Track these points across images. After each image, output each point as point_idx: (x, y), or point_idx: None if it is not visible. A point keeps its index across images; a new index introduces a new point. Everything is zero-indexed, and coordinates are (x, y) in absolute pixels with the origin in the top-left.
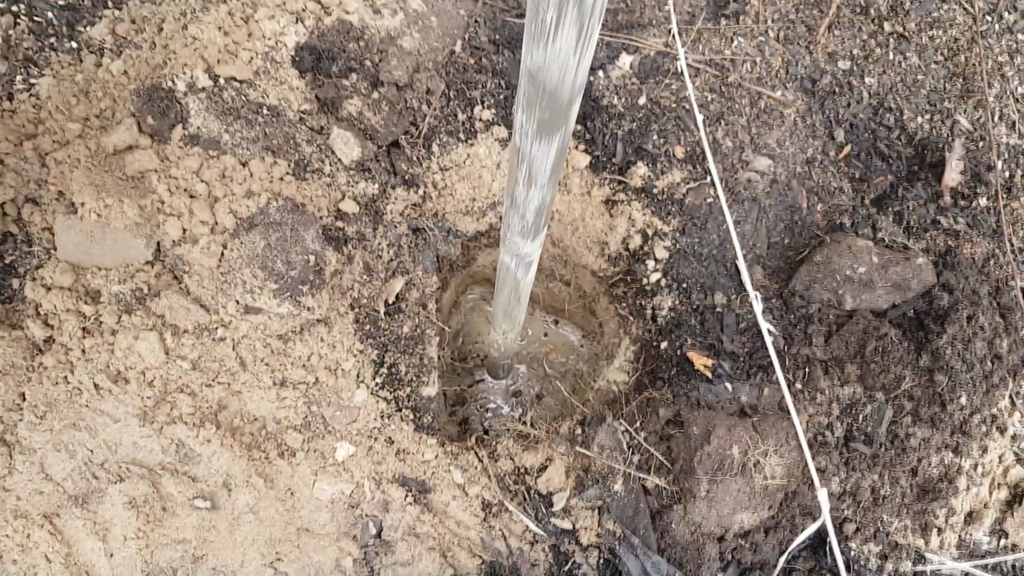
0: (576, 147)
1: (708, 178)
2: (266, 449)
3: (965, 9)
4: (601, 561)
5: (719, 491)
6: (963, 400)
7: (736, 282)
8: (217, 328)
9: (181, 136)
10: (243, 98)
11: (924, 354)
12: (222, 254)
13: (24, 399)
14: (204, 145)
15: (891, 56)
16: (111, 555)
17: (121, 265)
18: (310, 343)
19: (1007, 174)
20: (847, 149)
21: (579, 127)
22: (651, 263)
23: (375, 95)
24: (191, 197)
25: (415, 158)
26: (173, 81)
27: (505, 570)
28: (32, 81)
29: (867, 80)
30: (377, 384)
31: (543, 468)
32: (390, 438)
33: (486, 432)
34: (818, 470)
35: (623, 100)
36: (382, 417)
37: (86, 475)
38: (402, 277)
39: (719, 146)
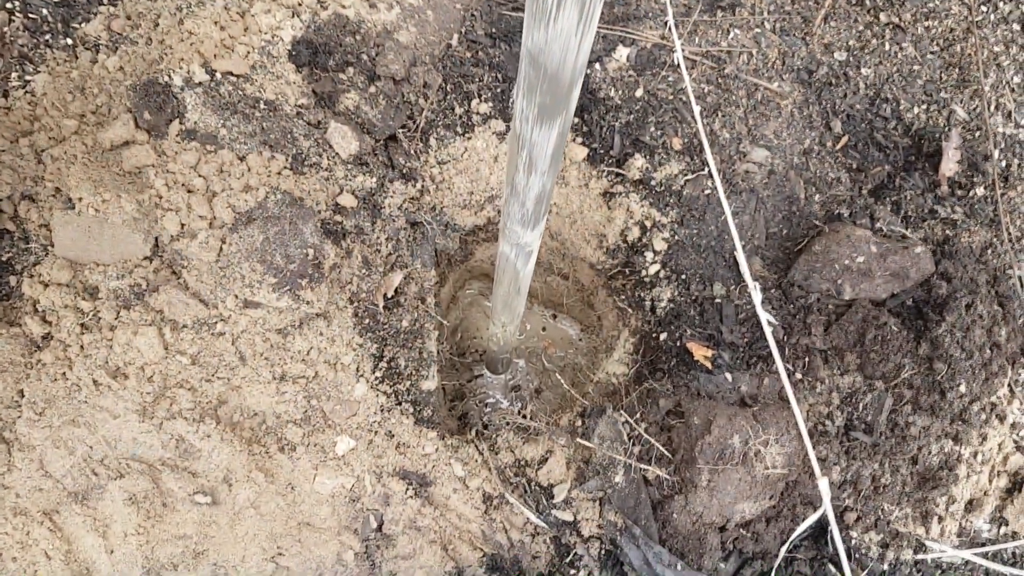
0: (574, 140)
1: (706, 169)
2: (266, 444)
3: None
4: (603, 552)
5: (720, 481)
6: (962, 388)
7: (735, 273)
8: (216, 323)
9: (178, 131)
10: (240, 92)
11: (923, 343)
12: (221, 248)
13: (23, 396)
14: (201, 140)
15: (887, 47)
16: (111, 551)
17: (119, 261)
18: (309, 337)
19: (1004, 163)
20: (844, 140)
21: (576, 119)
22: (650, 255)
23: (372, 89)
24: (189, 192)
25: (413, 152)
26: (169, 76)
27: (506, 562)
28: (28, 78)
29: (863, 71)
30: (377, 378)
31: (544, 460)
32: (390, 432)
33: (485, 427)
34: (819, 459)
35: (620, 92)
36: (382, 411)
37: (85, 471)
38: (401, 271)
39: (716, 138)
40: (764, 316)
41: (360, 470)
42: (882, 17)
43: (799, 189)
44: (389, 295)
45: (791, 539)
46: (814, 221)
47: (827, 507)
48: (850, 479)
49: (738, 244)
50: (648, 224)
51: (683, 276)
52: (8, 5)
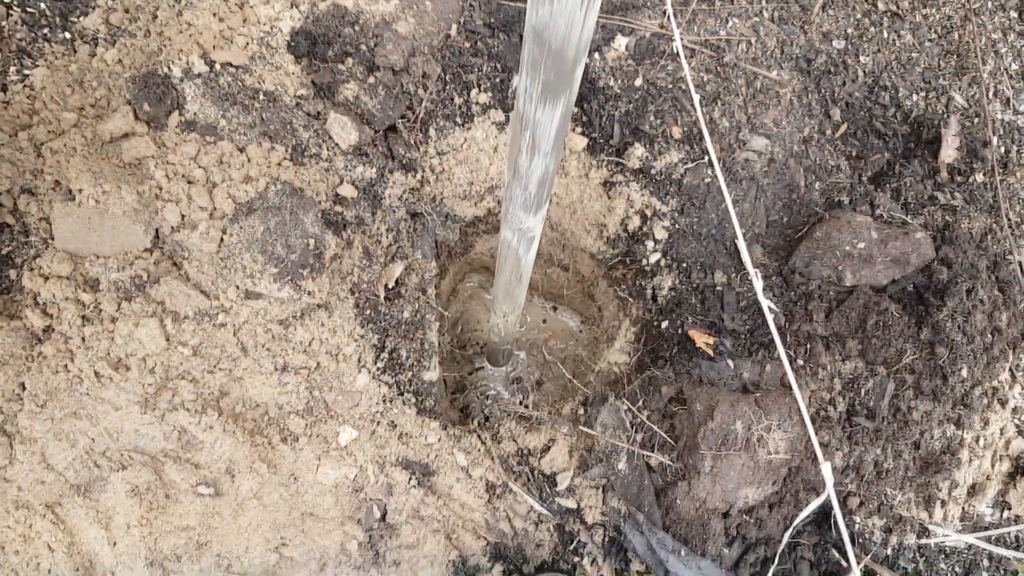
0: (573, 129)
1: (706, 158)
2: (269, 435)
3: None
4: (606, 539)
5: (723, 467)
6: (964, 373)
7: (736, 261)
8: (218, 314)
9: (178, 122)
10: (239, 84)
11: (925, 328)
12: (221, 239)
13: (24, 389)
14: (201, 131)
15: (885, 35)
16: (114, 543)
17: (120, 252)
18: (311, 328)
19: (1003, 150)
20: (843, 128)
21: (576, 109)
22: (650, 244)
23: (371, 80)
24: (189, 183)
25: (412, 142)
26: (169, 67)
27: (510, 551)
28: (26, 72)
29: (862, 59)
30: (378, 369)
31: (546, 449)
32: (393, 422)
33: (487, 419)
34: (821, 445)
35: (619, 82)
36: (384, 401)
37: (88, 464)
38: (401, 262)
39: (716, 126)
40: (765, 303)
41: (363, 460)
42: (880, 5)
43: (799, 177)
44: (390, 286)
45: (794, 524)
46: (814, 208)
47: (830, 492)
48: (853, 464)
49: (739, 232)
50: (648, 213)
51: (684, 264)
52: (6, 0)
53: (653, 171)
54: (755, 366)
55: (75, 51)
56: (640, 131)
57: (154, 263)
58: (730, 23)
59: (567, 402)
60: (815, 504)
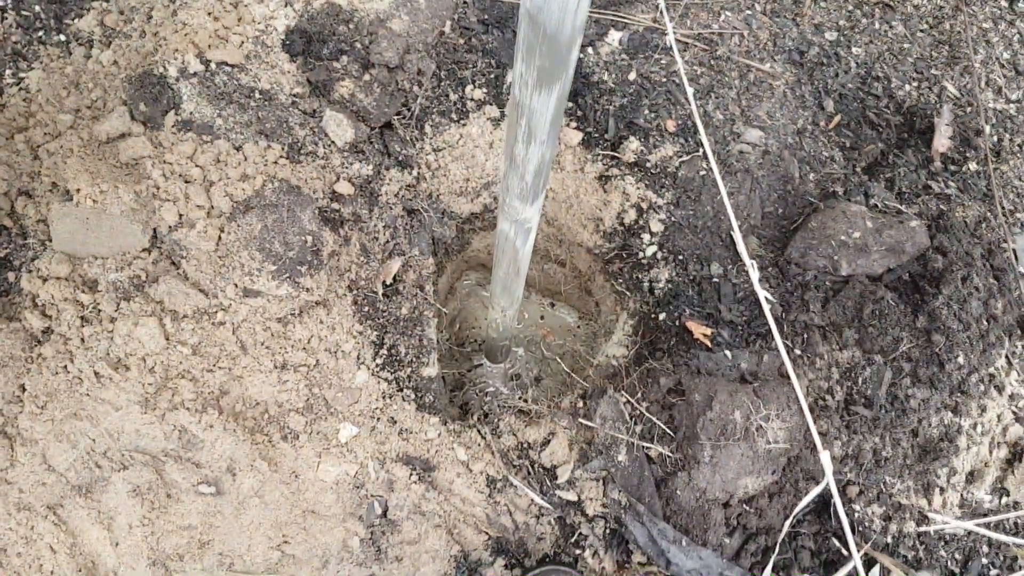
0: (568, 124)
1: (700, 151)
2: (269, 433)
3: None
4: (607, 531)
5: (723, 456)
6: (960, 360)
7: (732, 252)
8: (217, 312)
9: (174, 122)
10: (235, 82)
11: (921, 315)
12: (219, 237)
13: (24, 391)
14: (197, 130)
15: (877, 26)
16: (116, 544)
17: (118, 253)
18: (310, 325)
19: (995, 138)
20: (837, 119)
21: (570, 104)
22: (646, 237)
23: (366, 77)
24: (186, 182)
25: (408, 139)
26: (164, 67)
27: (512, 545)
28: (22, 75)
29: (854, 50)
30: (378, 365)
31: (546, 442)
32: (392, 418)
33: (486, 415)
34: (820, 434)
35: (613, 76)
36: (384, 398)
37: (89, 464)
38: (399, 258)
39: (710, 119)
40: (762, 294)
41: (363, 457)
42: None
43: (793, 168)
44: (388, 282)
45: (795, 513)
46: (809, 199)
47: (829, 480)
48: (851, 453)
49: (734, 224)
50: (644, 206)
51: (680, 257)
52: (0, 3)
53: (648, 164)
54: (753, 356)
55: (70, 53)
56: (635, 125)
57: (152, 262)
58: (723, 16)
59: (566, 395)
60: (815, 493)
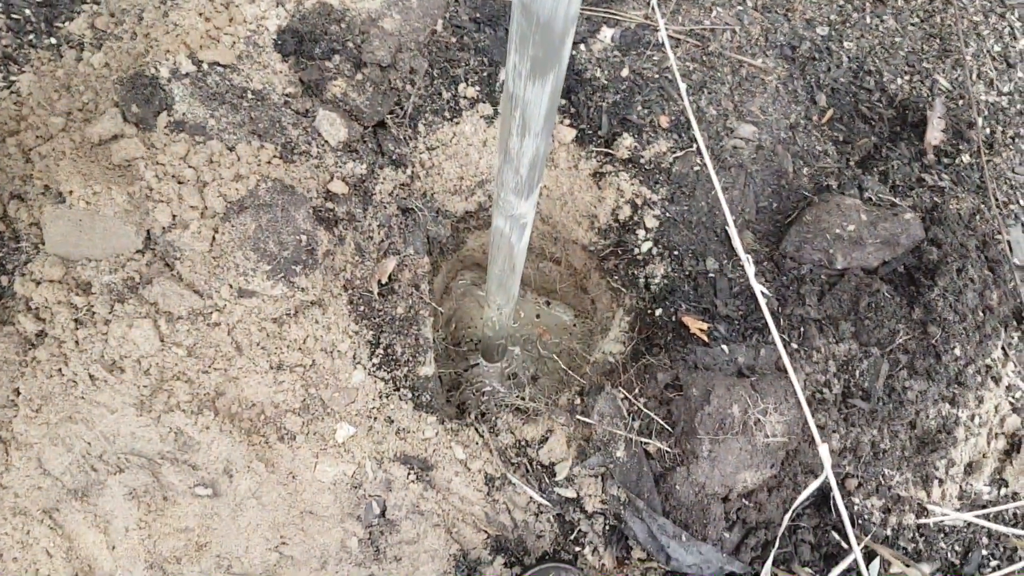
0: (561, 121)
1: (694, 146)
2: (266, 434)
3: None
4: (607, 527)
5: (721, 451)
6: (957, 351)
7: (727, 247)
8: (211, 313)
9: (166, 123)
10: (227, 83)
11: (916, 307)
12: (213, 238)
13: (18, 394)
14: (190, 131)
15: (868, 20)
16: (113, 547)
17: (111, 255)
18: (305, 325)
19: (988, 131)
20: (830, 113)
21: (563, 101)
22: (641, 233)
23: (359, 76)
24: (179, 183)
25: (402, 138)
26: (156, 68)
27: (511, 543)
28: (12, 78)
29: (846, 44)
30: (374, 365)
31: (544, 439)
32: (390, 417)
33: (483, 415)
34: (818, 427)
35: (606, 73)
36: (381, 397)
37: (84, 468)
38: (394, 257)
39: (703, 115)
40: (758, 288)
41: (361, 457)
42: None
43: (787, 163)
44: (383, 282)
45: (794, 507)
46: (803, 193)
47: (828, 473)
48: (850, 446)
49: (729, 219)
50: (639, 202)
51: (676, 252)
52: None
53: (642, 160)
54: (750, 350)
55: (61, 56)
56: (628, 121)
57: (146, 264)
58: (714, 12)
59: (564, 392)
60: (814, 486)
